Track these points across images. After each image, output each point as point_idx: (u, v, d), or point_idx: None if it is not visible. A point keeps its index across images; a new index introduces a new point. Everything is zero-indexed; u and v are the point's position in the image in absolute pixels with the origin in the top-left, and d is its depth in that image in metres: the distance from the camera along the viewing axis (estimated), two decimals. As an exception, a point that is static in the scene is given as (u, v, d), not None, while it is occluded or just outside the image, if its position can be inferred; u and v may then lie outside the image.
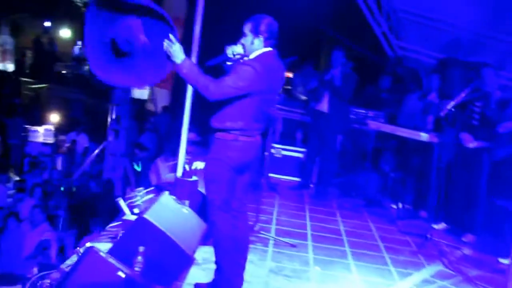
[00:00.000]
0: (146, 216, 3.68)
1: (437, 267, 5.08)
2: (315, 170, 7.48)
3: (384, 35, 9.62)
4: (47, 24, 19.62)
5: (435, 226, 6.08)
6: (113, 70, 3.87)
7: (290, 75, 9.97)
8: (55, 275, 3.60)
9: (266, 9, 3.99)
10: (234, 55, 3.72)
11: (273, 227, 5.71)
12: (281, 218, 6.10)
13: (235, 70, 3.56)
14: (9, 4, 16.14)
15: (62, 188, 9.61)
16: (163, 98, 12.42)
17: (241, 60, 3.71)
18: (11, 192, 9.71)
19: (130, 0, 3.75)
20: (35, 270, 6.22)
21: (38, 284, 3.49)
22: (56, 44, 19.14)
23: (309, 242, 5.38)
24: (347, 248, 5.35)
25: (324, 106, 7.00)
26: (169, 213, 3.98)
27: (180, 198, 4.38)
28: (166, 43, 3.52)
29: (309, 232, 5.73)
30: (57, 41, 19.38)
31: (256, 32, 3.63)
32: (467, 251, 5.53)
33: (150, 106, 12.53)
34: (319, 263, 4.81)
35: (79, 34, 18.74)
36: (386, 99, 8.38)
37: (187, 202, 4.44)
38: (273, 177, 7.69)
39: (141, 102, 12.88)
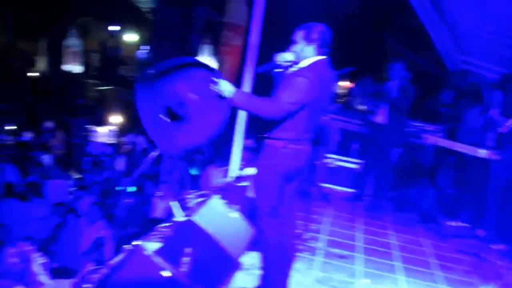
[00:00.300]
0: (194, 218, 3.74)
1: (491, 289, 4.92)
2: (370, 182, 7.37)
3: (446, 48, 9.40)
4: (114, 28, 20.19)
5: (493, 246, 5.88)
6: (176, 136, 3.88)
7: (351, 85, 9.92)
8: (104, 270, 3.71)
9: (329, 20, 3.96)
10: (284, 62, 3.73)
11: (323, 236, 5.67)
12: (332, 228, 6.04)
13: (289, 84, 3.54)
14: (77, 9, 16.75)
15: (120, 188, 9.84)
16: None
17: (291, 68, 3.71)
18: (72, 189, 10.04)
19: (168, 65, 3.80)
20: (90, 265, 6.38)
21: (86, 278, 3.59)
22: (121, 48, 19.68)
23: (359, 254, 5.31)
24: (397, 263, 5.25)
25: (381, 118, 6.91)
26: (217, 216, 4.03)
27: (230, 202, 4.42)
28: (212, 87, 3.58)
29: (359, 244, 5.65)
30: (122, 45, 19.93)
31: (308, 40, 3.63)
32: (525, 274, 5.32)
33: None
34: (367, 276, 4.74)
35: (143, 39, 19.22)
36: (446, 113, 8.18)
37: (237, 206, 4.47)
38: (326, 187, 7.64)
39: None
